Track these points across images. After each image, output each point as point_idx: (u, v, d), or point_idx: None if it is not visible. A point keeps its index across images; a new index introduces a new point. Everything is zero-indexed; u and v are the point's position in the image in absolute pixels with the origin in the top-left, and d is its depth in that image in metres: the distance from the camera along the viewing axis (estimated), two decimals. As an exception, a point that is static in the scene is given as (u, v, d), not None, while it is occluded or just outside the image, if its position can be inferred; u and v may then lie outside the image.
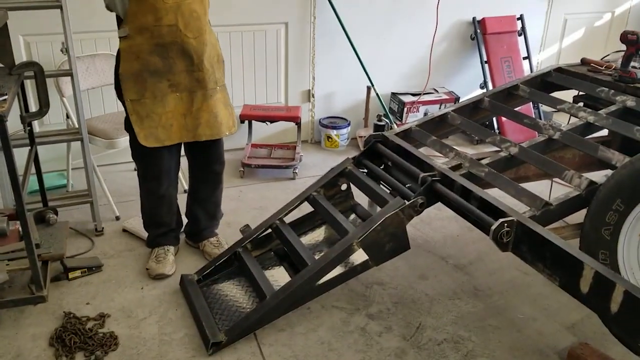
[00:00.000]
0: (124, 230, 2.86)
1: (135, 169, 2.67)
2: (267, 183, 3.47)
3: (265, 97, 3.86)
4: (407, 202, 2.16)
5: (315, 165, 3.74)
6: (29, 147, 2.55)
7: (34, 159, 2.58)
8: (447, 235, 2.93)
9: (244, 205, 3.19)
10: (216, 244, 2.66)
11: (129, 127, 2.35)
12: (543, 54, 4.55)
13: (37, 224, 2.51)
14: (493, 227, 1.86)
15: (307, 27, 3.80)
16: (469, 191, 2.10)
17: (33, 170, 2.68)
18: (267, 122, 3.63)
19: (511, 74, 4.15)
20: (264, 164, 3.52)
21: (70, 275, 2.47)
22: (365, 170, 2.55)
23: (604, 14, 4.62)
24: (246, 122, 3.70)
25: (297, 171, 3.53)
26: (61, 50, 2.66)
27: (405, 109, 4.01)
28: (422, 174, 2.24)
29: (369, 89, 3.96)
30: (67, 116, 3.04)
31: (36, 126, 3.26)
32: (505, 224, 1.86)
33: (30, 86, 3.00)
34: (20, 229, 2.32)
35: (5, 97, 1.93)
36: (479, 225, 2.01)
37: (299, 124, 3.69)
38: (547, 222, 1.97)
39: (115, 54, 2.33)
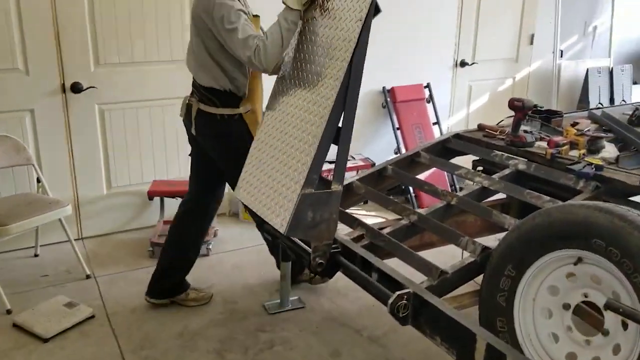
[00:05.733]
0: (15, 326, 2.62)
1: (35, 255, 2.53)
2: (178, 261, 3.33)
3: (178, 171, 3.78)
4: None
5: (232, 239, 3.63)
6: None
7: None
8: (362, 306, 2.87)
9: (152, 288, 3.02)
10: None
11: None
12: (452, 119, 4.74)
13: None
14: (390, 301, 1.82)
15: (219, 100, 3.80)
16: (369, 263, 2.07)
17: None
18: (178, 198, 3.53)
19: (422, 140, 4.28)
20: (175, 242, 3.38)
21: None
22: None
23: (505, 79, 4.92)
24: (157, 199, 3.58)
25: (211, 247, 3.42)
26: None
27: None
28: (323, 246, 2.19)
29: (284, 159, 3.95)
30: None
31: None
32: (403, 297, 1.83)
33: None
34: None
35: None
36: (380, 299, 1.96)
37: (212, 198, 3.61)
38: (445, 291, 1.96)
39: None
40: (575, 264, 1.72)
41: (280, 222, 2.04)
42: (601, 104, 4.83)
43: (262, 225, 2.55)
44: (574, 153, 2.46)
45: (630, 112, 3.00)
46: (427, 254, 2.25)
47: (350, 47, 1.97)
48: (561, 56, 4.93)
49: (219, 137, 2.59)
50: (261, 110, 2.61)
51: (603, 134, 2.53)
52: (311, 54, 2.19)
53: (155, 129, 3.66)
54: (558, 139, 2.55)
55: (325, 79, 2.06)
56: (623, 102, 4.90)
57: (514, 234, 1.89)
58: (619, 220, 1.58)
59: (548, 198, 2.18)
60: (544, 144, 2.60)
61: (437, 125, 4.45)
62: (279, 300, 2.85)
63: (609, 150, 2.48)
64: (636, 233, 1.53)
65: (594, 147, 2.47)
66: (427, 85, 4.44)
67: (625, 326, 1.60)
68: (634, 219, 1.57)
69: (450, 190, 4.26)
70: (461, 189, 4.39)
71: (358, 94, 2.04)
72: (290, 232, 2.02)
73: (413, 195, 4.13)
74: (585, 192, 2.21)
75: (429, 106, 4.45)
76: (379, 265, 2.02)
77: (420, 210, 2.35)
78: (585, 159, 2.36)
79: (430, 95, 4.45)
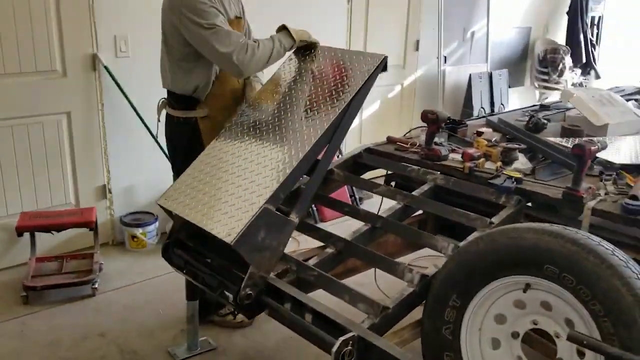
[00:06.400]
0: None
1: None
2: (59, 307, 2.83)
3: (49, 200, 3.25)
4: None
5: (121, 274, 3.19)
6: None
7: None
8: (279, 340, 2.63)
9: (28, 344, 2.52)
10: None
11: None
12: (347, 126, 4.65)
13: None
14: (334, 349, 1.61)
15: (95, 115, 3.34)
16: (301, 303, 1.84)
17: None
18: (53, 232, 3.02)
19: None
20: (52, 283, 2.88)
21: None
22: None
23: (394, 86, 4.94)
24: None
25: (97, 286, 2.96)
26: None
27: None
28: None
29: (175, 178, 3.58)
30: None
31: None
32: (348, 342, 1.63)
33: None
34: None
35: None
36: (321, 347, 1.75)
37: (95, 229, 3.14)
38: (387, 327, 1.80)
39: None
40: (524, 290, 1.64)
41: (227, 230, 1.85)
42: (483, 109, 5.05)
43: (172, 249, 2.22)
44: (490, 165, 2.43)
45: (526, 119, 3.08)
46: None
47: (353, 89, 2.16)
48: (445, 62, 5.07)
49: (170, 140, 2.56)
50: (223, 120, 2.42)
51: (516, 145, 2.54)
52: (310, 85, 2.29)
53: (20, 152, 3.12)
54: (471, 151, 2.51)
55: (317, 111, 2.14)
56: (502, 106, 5.16)
57: (454, 263, 1.77)
58: (571, 244, 1.51)
59: (475, 215, 2.11)
60: (457, 156, 2.54)
61: (333, 134, 4.33)
62: (185, 344, 2.52)
63: (521, 161, 2.49)
64: (591, 258, 1.48)
65: (507, 158, 2.46)
66: (322, 93, 4.30)
67: (581, 355, 1.54)
68: (587, 242, 1.51)
69: (350, 200, 4.18)
70: (361, 199, 4.34)
71: (346, 133, 2.18)
72: (237, 244, 1.82)
73: (315, 209, 3.96)
74: (509, 206, 2.17)
75: (324, 114, 4.31)
76: (313, 305, 1.81)
77: (342, 235, 2.16)
78: (503, 172, 2.34)
79: (325, 104, 4.31)
